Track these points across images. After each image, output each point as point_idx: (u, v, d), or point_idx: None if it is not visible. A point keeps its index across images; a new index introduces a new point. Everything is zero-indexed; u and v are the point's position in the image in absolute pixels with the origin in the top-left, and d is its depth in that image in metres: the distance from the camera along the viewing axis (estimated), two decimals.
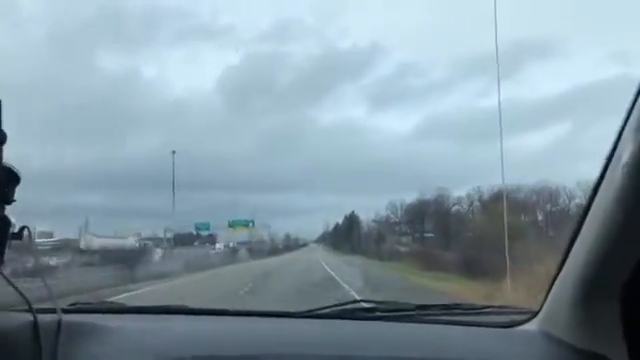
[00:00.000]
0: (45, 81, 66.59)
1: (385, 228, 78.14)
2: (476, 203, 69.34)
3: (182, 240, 57.69)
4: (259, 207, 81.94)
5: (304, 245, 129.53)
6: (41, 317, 1.02)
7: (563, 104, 57.29)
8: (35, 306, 1.02)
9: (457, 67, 78.23)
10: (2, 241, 0.92)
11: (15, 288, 1.00)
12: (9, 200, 0.93)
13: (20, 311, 1.04)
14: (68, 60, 79.09)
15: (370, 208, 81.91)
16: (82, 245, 34.92)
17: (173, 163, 41.75)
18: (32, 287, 1.10)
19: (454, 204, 73.85)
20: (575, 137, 59.69)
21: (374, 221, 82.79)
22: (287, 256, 59.41)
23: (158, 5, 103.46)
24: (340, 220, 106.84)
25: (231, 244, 62.07)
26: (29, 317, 1.01)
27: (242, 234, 63.72)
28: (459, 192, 60.29)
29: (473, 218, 62.26)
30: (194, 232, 62.61)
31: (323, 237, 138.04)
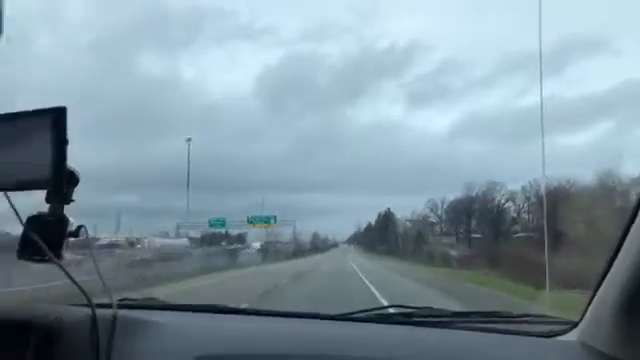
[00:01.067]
0: (88, 85, 69.87)
1: (424, 228, 72.65)
2: (533, 199, 60.99)
3: (209, 240, 58.45)
4: (287, 206, 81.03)
5: (334, 246, 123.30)
6: (99, 311, 1.10)
7: (611, 101, 55.23)
8: (93, 301, 1.08)
9: (498, 65, 79.74)
10: (61, 239, 1.00)
11: (75, 283, 1.06)
12: (68, 200, 1.01)
13: (79, 305, 1.14)
14: (110, 64, 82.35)
15: (405, 207, 79.01)
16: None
17: (189, 152, 43.80)
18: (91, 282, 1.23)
19: (507, 199, 62.15)
20: (623, 134, 56.26)
21: (409, 220, 77.54)
22: (312, 259, 56.28)
23: (198, 6, 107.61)
24: (373, 220, 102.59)
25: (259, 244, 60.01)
26: (88, 311, 1.09)
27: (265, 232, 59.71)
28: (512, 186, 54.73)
29: (530, 216, 56.08)
30: (222, 231, 63.20)
31: (354, 237, 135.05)
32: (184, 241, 46.97)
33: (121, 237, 40.69)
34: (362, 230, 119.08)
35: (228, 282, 21.69)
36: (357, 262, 43.31)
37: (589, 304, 1.25)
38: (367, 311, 1.60)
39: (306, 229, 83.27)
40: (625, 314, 1.07)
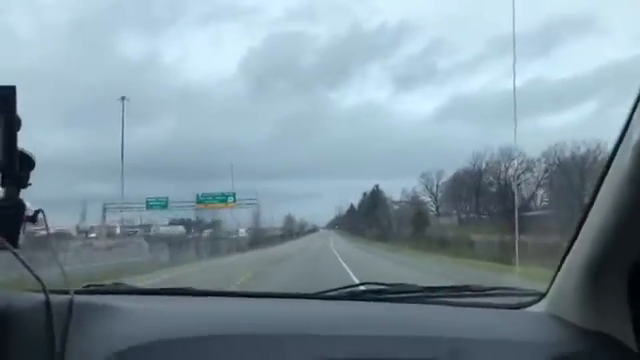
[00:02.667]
0: (63, 66, 72.15)
1: (421, 207, 63.13)
2: (554, 168, 52.18)
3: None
4: (265, 192, 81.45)
5: (312, 231, 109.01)
6: (53, 297, 1.11)
7: (595, 82, 55.01)
8: (48, 288, 1.11)
9: (486, 46, 78.66)
10: (17, 224, 1.01)
11: (30, 270, 1.08)
12: (24, 184, 1.02)
13: (34, 292, 1.16)
14: (87, 44, 79.79)
15: (391, 190, 74.39)
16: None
17: (123, 110, 40.86)
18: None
19: (524, 170, 49.08)
20: (605, 114, 53.76)
21: (398, 202, 69.82)
22: (280, 248, 46.10)
23: None
24: (356, 201, 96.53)
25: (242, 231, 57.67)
26: (42, 297, 1.10)
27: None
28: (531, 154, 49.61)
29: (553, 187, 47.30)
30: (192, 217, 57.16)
31: (336, 221, 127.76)
32: (180, 229, 51.97)
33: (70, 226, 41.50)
34: (344, 213, 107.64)
35: None
36: (342, 252, 33.47)
37: (556, 275, 1.31)
38: (339, 289, 1.69)
39: (279, 213, 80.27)
40: (590, 284, 1.13)
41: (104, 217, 44.19)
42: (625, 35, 69.76)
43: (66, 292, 1.19)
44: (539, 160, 52.35)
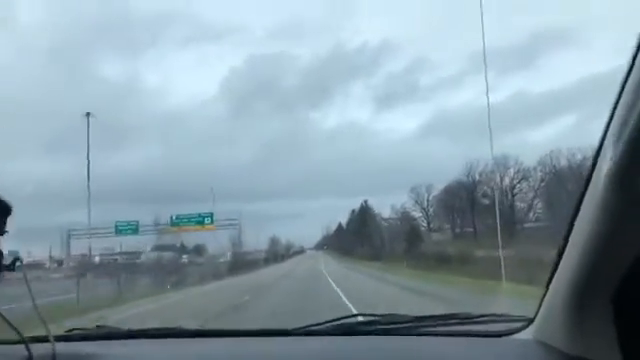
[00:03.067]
0: (42, 91, 70.94)
1: (413, 223, 60.36)
2: (549, 176, 49.99)
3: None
4: (249, 214, 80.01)
5: (299, 252, 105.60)
6: (35, 348, 1.10)
7: (578, 93, 57.67)
8: (28, 335, 1.09)
9: (466, 62, 78.50)
10: None
11: (6, 320, 1.05)
12: (1, 231, 0.99)
13: (13, 343, 1.13)
14: (66, 68, 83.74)
15: (378, 206, 72.46)
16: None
17: (88, 125, 33.16)
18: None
19: (521, 179, 47.12)
20: (588, 126, 51.94)
21: (387, 219, 67.15)
22: (262, 273, 41.81)
23: (162, 7, 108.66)
24: (344, 220, 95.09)
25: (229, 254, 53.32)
26: (22, 350, 1.08)
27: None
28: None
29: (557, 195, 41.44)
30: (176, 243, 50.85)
31: (324, 241, 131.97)
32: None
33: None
34: (332, 233, 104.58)
35: None
36: (336, 277, 28.55)
37: (542, 300, 1.30)
38: (328, 322, 1.67)
39: (264, 235, 79.24)
40: (575, 309, 1.11)
41: (68, 245, 42.14)
42: (605, 47, 67.86)
43: (46, 339, 1.16)
44: (534, 169, 49.63)
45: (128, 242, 48.64)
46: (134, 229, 39.69)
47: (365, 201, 72.80)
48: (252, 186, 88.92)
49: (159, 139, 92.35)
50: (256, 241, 68.41)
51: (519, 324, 1.46)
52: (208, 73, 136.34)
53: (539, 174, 49.86)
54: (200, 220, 40.61)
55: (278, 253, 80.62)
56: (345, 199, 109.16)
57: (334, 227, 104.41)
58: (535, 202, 50.63)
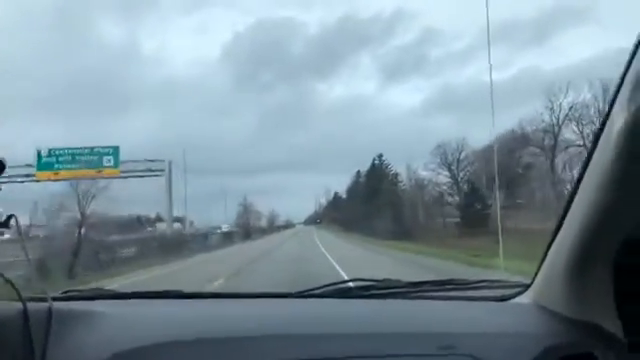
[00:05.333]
0: (39, 54, 69.83)
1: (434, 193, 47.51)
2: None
3: None
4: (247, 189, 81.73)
5: (286, 227, 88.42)
6: (31, 305, 1.18)
7: (589, 71, 49.57)
8: (26, 295, 1.18)
9: (477, 36, 70.16)
10: None
11: (5, 278, 1.13)
12: None
13: (10, 301, 1.19)
14: (64, 31, 78.46)
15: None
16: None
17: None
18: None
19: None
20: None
21: (406, 184, 51.98)
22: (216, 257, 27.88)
23: None
24: (344, 186, 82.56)
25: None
26: (19, 306, 1.16)
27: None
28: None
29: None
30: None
31: (317, 216, 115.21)
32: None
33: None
34: (324, 206, 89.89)
35: None
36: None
37: (540, 265, 1.45)
38: (326, 286, 1.75)
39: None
40: (575, 273, 1.25)
41: None
42: (620, 25, 64.46)
43: (44, 299, 1.25)
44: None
45: None
46: None
47: (379, 156, 53.93)
48: (243, 158, 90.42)
49: (158, 106, 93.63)
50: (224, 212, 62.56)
51: (517, 289, 1.61)
52: (210, 39, 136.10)
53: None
54: (93, 160, 20.82)
55: (252, 228, 61.57)
56: (339, 175, 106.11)
57: (328, 198, 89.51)
58: None
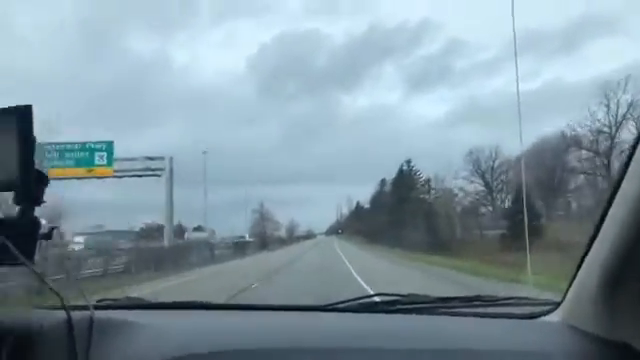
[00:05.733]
0: (70, 68, 72.76)
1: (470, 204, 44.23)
2: None
3: None
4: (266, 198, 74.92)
5: (307, 237, 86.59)
6: (74, 314, 1.24)
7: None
8: (67, 304, 1.26)
9: (504, 47, 70.33)
10: (33, 241, 1.12)
11: (48, 286, 1.17)
12: (39, 202, 1.12)
13: (54, 308, 1.30)
14: (96, 44, 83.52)
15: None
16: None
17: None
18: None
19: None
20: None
21: (438, 191, 47.79)
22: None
23: None
24: (363, 199, 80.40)
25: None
26: (62, 314, 1.22)
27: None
28: None
29: None
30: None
31: (338, 225, 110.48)
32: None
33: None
34: (348, 215, 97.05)
35: None
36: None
37: (571, 283, 1.45)
38: (351, 301, 1.82)
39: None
40: (606, 292, 1.24)
41: None
42: None
43: (85, 307, 1.31)
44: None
45: None
46: None
47: (408, 162, 50.47)
48: (264, 168, 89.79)
49: (185, 117, 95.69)
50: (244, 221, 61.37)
51: (546, 307, 1.61)
52: (237, 51, 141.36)
53: None
54: (85, 157, 18.07)
55: (269, 238, 58.27)
56: (361, 187, 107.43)
57: (350, 207, 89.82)
58: None
